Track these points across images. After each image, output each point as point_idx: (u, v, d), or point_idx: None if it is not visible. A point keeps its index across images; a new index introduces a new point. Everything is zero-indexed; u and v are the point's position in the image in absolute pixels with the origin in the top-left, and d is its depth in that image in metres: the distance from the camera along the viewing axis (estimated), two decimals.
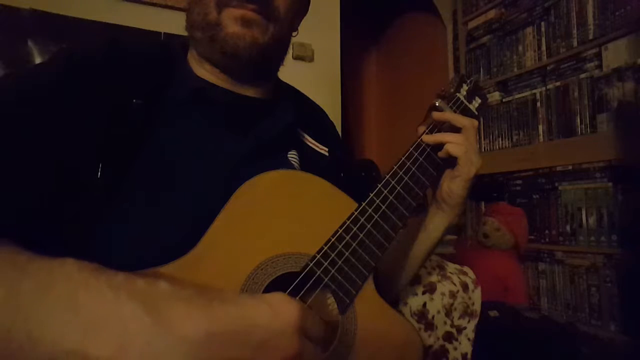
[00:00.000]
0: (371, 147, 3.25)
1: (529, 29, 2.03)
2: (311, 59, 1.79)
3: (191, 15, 0.55)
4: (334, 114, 1.73)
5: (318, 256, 0.47)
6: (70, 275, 0.32)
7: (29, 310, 0.30)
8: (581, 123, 1.78)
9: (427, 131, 0.60)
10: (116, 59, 0.51)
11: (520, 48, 2.08)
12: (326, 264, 0.47)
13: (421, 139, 0.59)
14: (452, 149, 0.57)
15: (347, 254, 0.48)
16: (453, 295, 0.78)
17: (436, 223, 0.63)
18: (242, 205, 0.46)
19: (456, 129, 0.59)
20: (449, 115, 0.60)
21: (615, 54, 1.67)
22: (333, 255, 0.48)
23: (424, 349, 0.61)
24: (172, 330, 0.30)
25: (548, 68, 1.94)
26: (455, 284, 0.79)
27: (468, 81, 0.65)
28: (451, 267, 0.83)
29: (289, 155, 0.59)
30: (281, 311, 0.34)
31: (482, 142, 2.24)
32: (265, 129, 0.57)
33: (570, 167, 1.80)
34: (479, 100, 0.65)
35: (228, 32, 0.52)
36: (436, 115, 0.60)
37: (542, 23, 1.97)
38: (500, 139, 2.16)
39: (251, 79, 0.59)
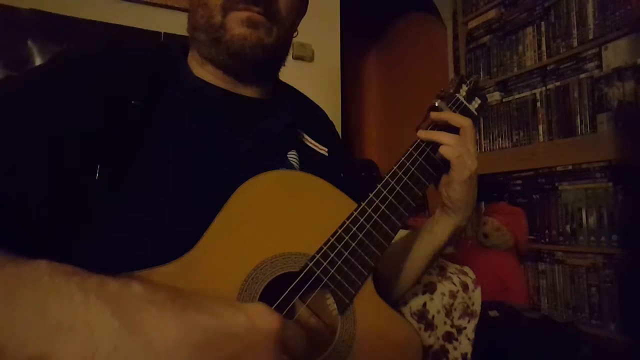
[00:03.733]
0: (371, 147, 3.24)
1: (529, 29, 2.03)
2: (311, 59, 1.79)
3: (194, 18, 0.55)
4: (334, 114, 1.73)
5: (317, 256, 0.47)
6: (39, 280, 0.31)
7: None
8: (581, 123, 1.78)
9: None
10: (115, 59, 0.51)
11: (520, 48, 2.08)
12: (325, 264, 0.47)
13: (418, 137, 0.59)
14: (444, 152, 0.57)
15: (346, 254, 0.48)
16: (453, 295, 0.78)
17: (442, 227, 0.62)
18: (241, 205, 0.46)
19: (455, 129, 0.59)
20: (447, 115, 0.59)
21: (615, 54, 1.67)
22: (332, 255, 0.48)
23: (424, 349, 0.61)
24: (141, 335, 0.29)
25: (548, 68, 1.94)
26: (455, 284, 0.79)
27: (468, 81, 0.65)
28: (451, 267, 0.83)
29: (288, 156, 0.59)
30: (259, 323, 0.33)
31: (482, 142, 2.24)
32: (265, 129, 0.57)
33: (570, 167, 1.80)
34: (479, 101, 0.65)
35: (234, 33, 0.52)
36: (434, 114, 0.60)
37: (542, 23, 1.97)
38: (500, 139, 2.16)
39: (253, 80, 0.59)
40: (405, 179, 0.55)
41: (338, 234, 0.49)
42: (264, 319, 0.33)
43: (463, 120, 0.58)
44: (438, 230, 0.62)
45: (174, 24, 1.50)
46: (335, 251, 0.48)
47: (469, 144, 0.57)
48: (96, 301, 0.30)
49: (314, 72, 1.78)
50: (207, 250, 0.43)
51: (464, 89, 0.64)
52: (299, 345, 0.36)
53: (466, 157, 0.56)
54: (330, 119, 0.75)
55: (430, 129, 0.60)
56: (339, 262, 0.48)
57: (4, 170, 0.39)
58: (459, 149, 0.56)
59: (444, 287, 0.78)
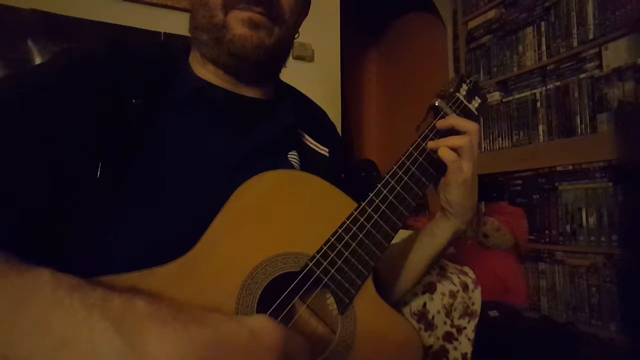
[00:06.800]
0: (371, 147, 3.24)
1: (529, 29, 2.03)
2: (311, 59, 1.79)
3: (196, 17, 0.55)
4: (334, 114, 1.73)
5: (317, 256, 0.47)
6: (43, 293, 0.31)
7: None
8: (581, 123, 1.78)
9: (427, 131, 0.59)
10: (117, 59, 0.51)
11: (520, 48, 2.08)
12: (325, 263, 0.47)
13: (425, 143, 0.58)
14: (442, 154, 0.56)
15: (346, 253, 0.48)
16: (453, 295, 0.78)
17: (442, 230, 0.61)
18: (241, 205, 0.46)
19: (457, 132, 0.58)
20: (453, 121, 0.58)
21: (615, 54, 1.67)
22: (332, 255, 0.48)
23: (424, 349, 0.61)
24: (143, 353, 0.29)
25: (548, 68, 1.94)
26: (455, 284, 0.79)
27: (468, 81, 0.65)
28: (451, 267, 0.83)
29: (289, 156, 0.59)
30: (262, 336, 0.32)
31: (482, 142, 2.23)
32: (265, 129, 0.57)
33: (570, 167, 1.80)
34: (479, 100, 0.65)
35: (235, 34, 0.52)
36: (440, 123, 0.58)
37: (542, 23, 1.97)
38: (500, 139, 2.16)
39: (254, 80, 0.59)
40: (406, 178, 0.55)
41: (338, 233, 0.49)
42: (266, 332, 0.33)
43: (469, 124, 0.57)
44: (438, 233, 0.62)
45: (174, 24, 1.50)
46: (336, 251, 0.48)
47: (473, 148, 0.56)
48: (99, 319, 0.30)
49: (314, 72, 1.78)
50: (207, 250, 0.43)
51: (464, 88, 0.64)
52: (304, 356, 0.35)
53: (463, 160, 0.56)
54: (331, 119, 0.75)
55: (430, 129, 0.59)
56: (339, 262, 0.48)
57: (5, 169, 0.39)
58: (454, 154, 0.55)
59: (444, 287, 0.78)
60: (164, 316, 0.31)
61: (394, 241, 0.53)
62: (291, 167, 0.58)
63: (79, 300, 0.31)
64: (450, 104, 0.62)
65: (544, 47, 1.97)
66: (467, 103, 0.64)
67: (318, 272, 0.47)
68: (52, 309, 0.30)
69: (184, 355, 0.29)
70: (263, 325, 0.33)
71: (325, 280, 0.47)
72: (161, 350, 0.29)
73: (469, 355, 0.77)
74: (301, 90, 0.73)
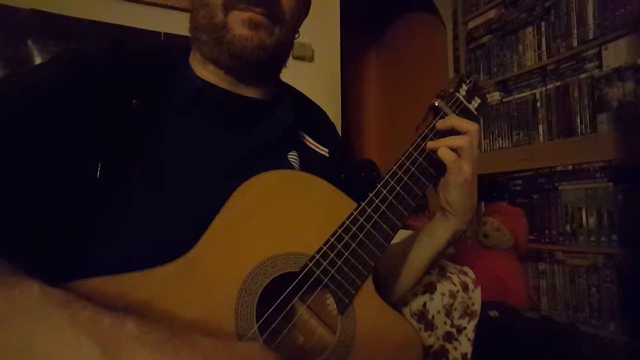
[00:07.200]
0: (371, 147, 3.24)
1: (529, 29, 2.03)
2: (311, 59, 1.79)
3: (196, 18, 0.55)
4: (334, 114, 1.73)
5: (317, 256, 0.47)
6: (31, 310, 0.30)
7: None
8: (581, 123, 1.78)
9: (427, 132, 0.59)
10: (117, 59, 0.51)
11: (520, 48, 2.08)
12: (325, 264, 0.47)
13: (424, 144, 0.58)
14: (442, 154, 0.55)
15: (346, 254, 0.48)
16: (453, 295, 0.78)
17: (442, 230, 0.61)
18: (241, 205, 0.46)
19: (457, 133, 0.58)
20: (453, 122, 0.58)
21: (615, 54, 1.67)
22: (332, 255, 0.48)
23: (424, 349, 0.61)
24: None
25: (548, 68, 1.94)
26: (455, 284, 0.79)
27: (467, 81, 0.65)
28: (451, 267, 0.83)
29: (289, 156, 0.59)
30: None
31: (482, 142, 2.23)
32: (265, 129, 0.57)
33: (570, 167, 1.80)
34: (479, 100, 0.65)
35: (235, 34, 0.52)
36: (440, 124, 0.58)
37: (542, 23, 1.97)
38: (500, 139, 2.16)
39: (254, 80, 0.59)
40: (405, 178, 0.55)
41: (338, 234, 0.49)
42: (258, 359, 0.33)
43: (469, 125, 0.57)
44: (438, 233, 0.61)
45: (174, 24, 1.50)
46: (335, 251, 0.48)
47: (473, 149, 0.56)
48: (87, 340, 0.29)
49: (314, 72, 1.78)
50: (207, 250, 0.43)
51: (464, 88, 0.64)
52: None
53: (463, 161, 0.56)
54: (330, 119, 0.75)
55: (430, 129, 0.59)
56: (339, 262, 0.48)
57: (4, 170, 0.39)
58: (454, 155, 0.55)
59: (444, 287, 0.78)
60: (153, 340, 0.31)
61: (393, 241, 0.53)
62: (291, 167, 0.58)
63: (67, 318, 0.30)
64: (450, 104, 0.62)
65: (544, 47, 1.97)
66: (466, 103, 0.64)
67: (318, 272, 0.47)
68: (39, 326, 0.30)
69: None
70: (256, 352, 0.33)
71: (325, 280, 0.47)
72: None
73: (469, 355, 0.77)
74: (301, 90, 0.73)
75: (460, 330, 0.78)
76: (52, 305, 0.31)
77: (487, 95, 1.47)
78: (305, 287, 0.47)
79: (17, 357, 0.29)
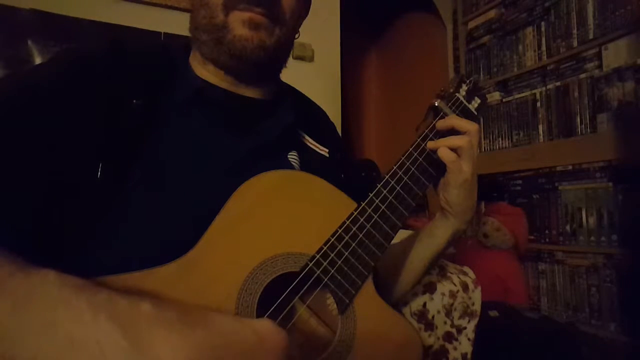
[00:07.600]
0: (371, 147, 3.24)
1: (529, 29, 2.03)
2: (311, 59, 1.79)
3: (196, 18, 0.55)
4: (334, 114, 1.73)
5: (317, 256, 0.47)
6: (49, 293, 0.31)
7: (4, 330, 0.29)
8: (581, 123, 1.78)
9: (427, 132, 0.59)
10: (117, 59, 0.51)
11: (520, 48, 2.08)
12: (325, 263, 0.47)
13: (424, 144, 0.58)
14: (441, 154, 0.56)
15: (346, 254, 0.48)
16: (453, 295, 0.78)
17: (441, 230, 0.61)
18: (241, 205, 0.46)
19: (457, 133, 0.58)
20: (453, 122, 0.58)
21: (615, 54, 1.67)
22: (332, 255, 0.48)
23: (424, 349, 0.61)
24: (149, 355, 0.29)
25: (548, 68, 1.94)
26: (455, 284, 0.79)
27: (467, 81, 0.65)
28: (451, 267, 0.83)
29: (289, 156, 0.59)
30: (267, 340, 0.33)
31: (482, 142, 2.24)
32: (265, 129, 0.57)
33: (570, 167, 1.80)
34: (479, 101, 0.65)
35: (235, 34, 0.52)
36: (440, 124, 0.58)
37: (542, 23, 1.97)
38: (500, 139, 2.16)
39: (254, 80, 0.59)
40: (406, 178, 0.55)
41: (338, 233, 0.49)
42: (271, 335, 0.33)
43: (469, 125, 0.57)
44: (438, 233, 0.62)
45: (174, 24, 1.50)
46: (336, 251, 0.48)
47: (473, 149, 0.56)
48: (106, 321, 0.30)
49: (314, 72, 1.78)
50: (207, 250, 0.43)
51: (464, 88, 0.64)
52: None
53: (463, 161, 0.56)
54: (330, 119, 0.75)
55: (431, 129, 0.59)
56: (339, 262, 0.48)
57: (5, 170, 0.39)
58: (454, 155, 0.55)
59: (444, 287, 0.78)
60: (169, 319, 0.31)
61: (393, 241, 0.53)
62: (291, 167, 0.58)
63: (85, 301, 0.31)
64: (450, 104, 0.62)
65: (544, 47, 1.97)
66: (466, 103, 0.64)
67: (318, 272, 0.47)
68: (59, 309, 0.30)
69: (190, 358, 0.29)
70: (268, 328, 0.34)
71: (325, 280, 0.47)
72: (167, 352, 0.29)
73: (469, 355, 0.77)
74: (301, 90, 0.73)
75: (460, 330, 0.78)
76: (69, 288, 0.31)
77: (487, 95, 1.47)
78: (305, 287, 0.47)
79: (40, 339, 0.29)
